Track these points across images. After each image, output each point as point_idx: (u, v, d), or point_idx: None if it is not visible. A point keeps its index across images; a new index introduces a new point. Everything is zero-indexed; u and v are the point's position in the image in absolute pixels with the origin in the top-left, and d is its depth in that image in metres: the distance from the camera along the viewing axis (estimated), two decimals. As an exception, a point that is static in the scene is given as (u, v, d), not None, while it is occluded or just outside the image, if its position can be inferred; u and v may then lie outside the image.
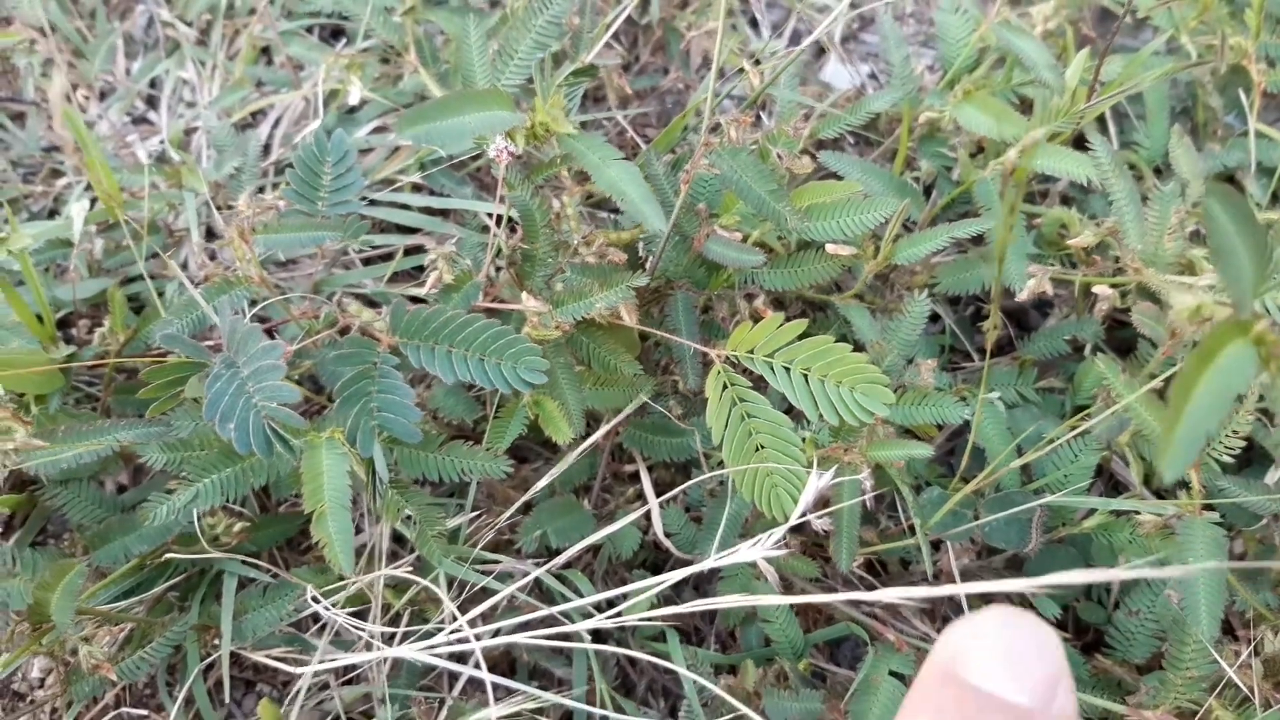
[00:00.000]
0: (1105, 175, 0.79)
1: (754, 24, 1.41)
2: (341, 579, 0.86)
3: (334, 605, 0.84)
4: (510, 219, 0.97)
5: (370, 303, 1.06)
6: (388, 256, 1.10)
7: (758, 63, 1.02)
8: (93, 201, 1.18)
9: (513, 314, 0.90)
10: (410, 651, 0.77)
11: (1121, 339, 1.05)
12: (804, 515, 0.70)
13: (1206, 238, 0.40)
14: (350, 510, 0.77)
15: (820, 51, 1.41)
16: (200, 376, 0.78)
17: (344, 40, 1.25)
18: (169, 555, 0.87)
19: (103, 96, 1.29)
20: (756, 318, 0.93)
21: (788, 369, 0.76)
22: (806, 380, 0.76)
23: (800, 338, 0.77)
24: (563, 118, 0.80)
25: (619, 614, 0.77)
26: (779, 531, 0.70)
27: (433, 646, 0.78)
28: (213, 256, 1.01)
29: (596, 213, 1.08)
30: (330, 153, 0.87)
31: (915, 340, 0.88)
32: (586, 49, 1.02)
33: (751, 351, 0.78)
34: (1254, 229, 0.41)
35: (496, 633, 0.89)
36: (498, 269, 0.95)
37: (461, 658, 0.90)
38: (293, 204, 0.87)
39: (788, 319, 1.04)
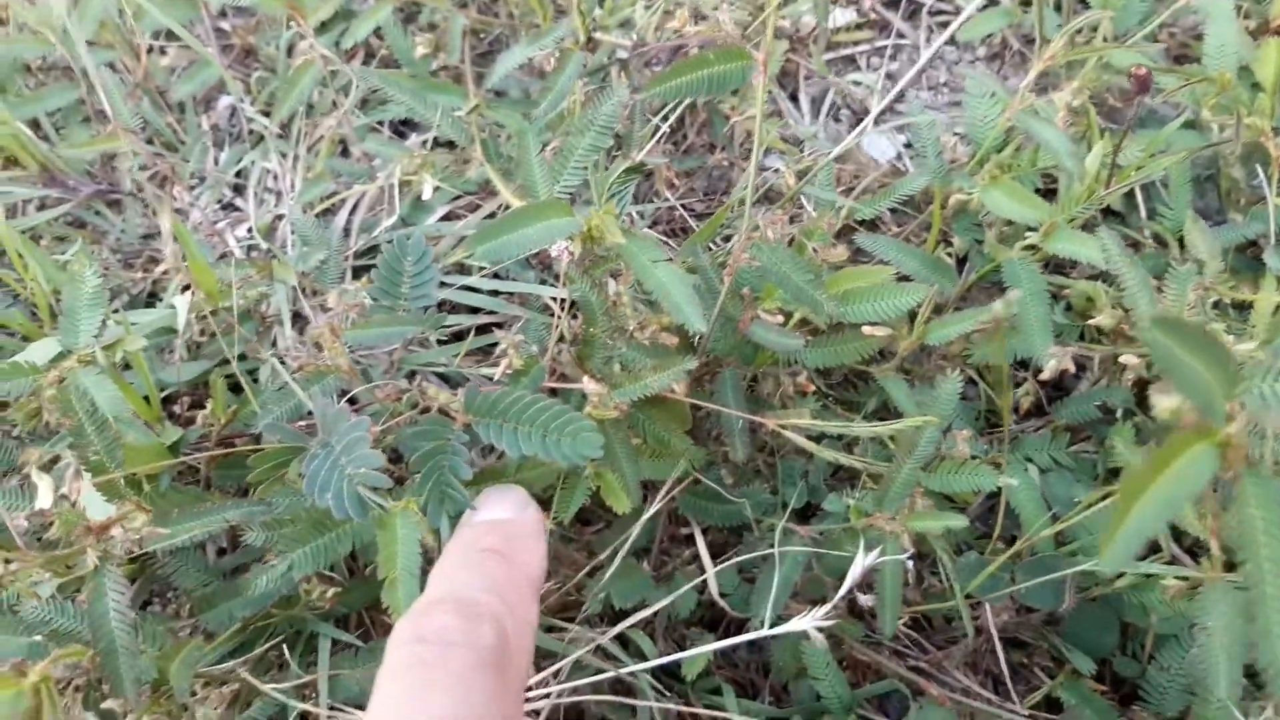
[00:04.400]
0: (1115, 264, 0.86)
1: (794, 98, 1.50)
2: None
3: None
4: (572, 305, 1.05)
5: (444, 379, 1.15)
6: (458, 335, 1.19)
7: (802, 171, 1.10)
8: (186, 287, 1.29)
9: (573, 392, 0.99)
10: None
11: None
12: (851, 589, 0.77)
13: (1157, 371, 0.46)
14: (418, 578, 0.84)
15: (858, 121, 1.49)
16: (300, 458, 0.87)
17: (414, 133, 1.35)
18: (269, 620, 0.96)
19: (191, 187, 1.41)
20: (801, 392, 1.01)
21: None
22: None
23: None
24: (614, 226, 0.88)
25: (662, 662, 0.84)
26: (828, 606, 0.77)
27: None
28: (312, 345, 1.11)
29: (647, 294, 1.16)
30: (410, 252, 0.97)
31: (950, 413, 0.95)
32: (637, 146, 1.11)
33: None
34: (1207, 345, 0.47)
35: (562, 690, 0.97)
36: (556, 349, 1.04)
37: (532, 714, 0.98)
38: (377, 300, 0.96)
39: (830, 387, 1.11)
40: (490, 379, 1.11)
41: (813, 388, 0.99)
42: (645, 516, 0.95)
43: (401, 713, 0.51)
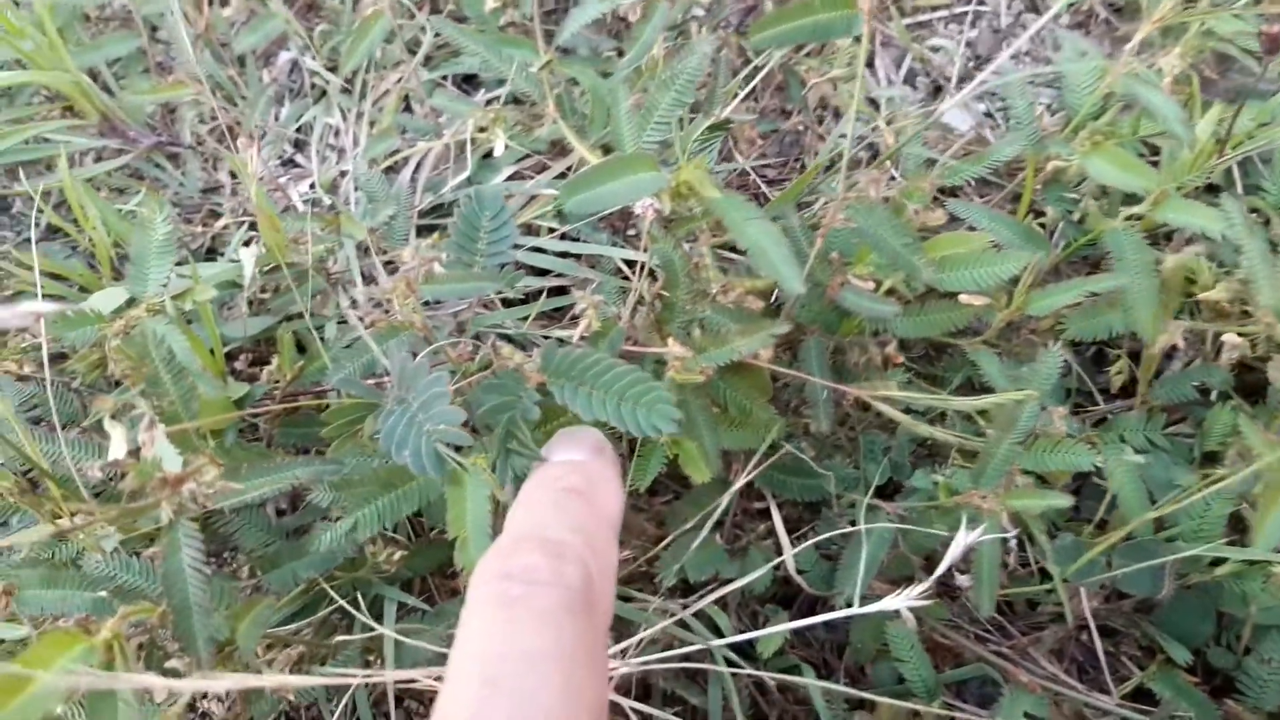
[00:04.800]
0: (1237, 233, 0.81)
1: (870, 64, 1.45)
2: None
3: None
4: (645, 267, 1.02)
5: (509, 341, 1.11)
6: (525, 298, 1.15)
7: (890, 122, 1.05)
8: (246, 242, 1.27)
9: (644, 357, 0.95)
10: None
11: (1251, 383, 1.05)
12: (950, 567, 0.73)
13: None
14: (489, 537, 0.82)
15: (936, 90, 1.44)
16: (375, 414, 0.84)
17: (481, 90, 1.31)
18: (332, 580, 0.94)
19: (250, 138, 1.38)
20: (888, 362, 0.97)
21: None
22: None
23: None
24: (707, 180, 0.84)
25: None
26: (925, 585, 0.73)
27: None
28: (376, 303, 1.08)
29: (725, 254, 1.12)
30: (488, 207, 0.93)
31: (1049, 390, 0.90)
32: (720, 103, 1.07)
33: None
34: None
35: (623, 653, 0.94)
36: (633, 313, 1.00)
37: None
38: (453, 255, 0.93)
39: (911, 361, 1.07)
40: (562, 342, 1.08)
41: (901, 359, 0.95)
42: (735, 488, 0.91)
43: (490, 648, 0.48)
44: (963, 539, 0.74)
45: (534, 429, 0.85)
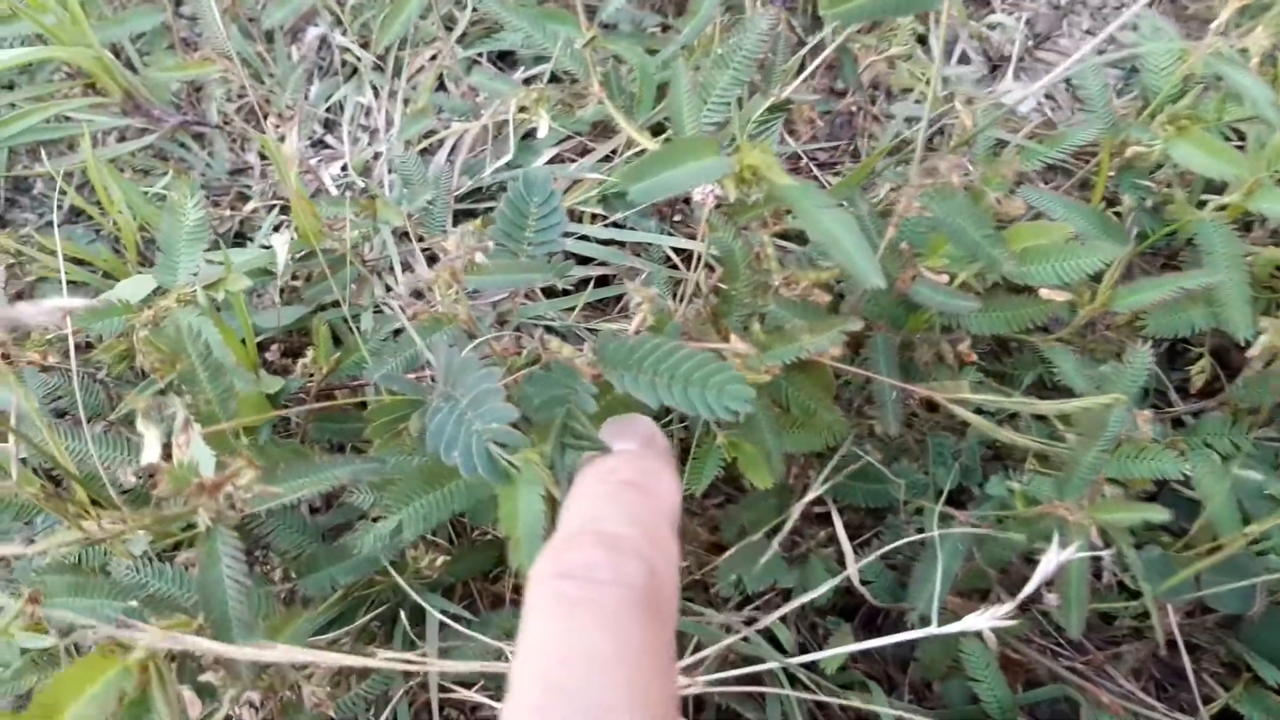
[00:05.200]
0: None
1: (922, 41, 1.38)
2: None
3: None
4: (696, 256, 0.96)
5: (552, 332, 1.06)
6: (568, 289, 1.10)
7: (970, 101, 0.99)
8: (276, 227, 1.22)
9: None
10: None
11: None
12: (1039, 585, 0.68)
13: None
14: (542, 537, 0.77)
15: (994, 68, 1.37)
16: (420, 412, 0.79)
17: (519, 68, 1.26)
18: (371, 586, 0.89)
19: (280, 118, 1.33)
20: (960, 360, 0.91)
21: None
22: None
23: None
24: (775, 165, 0.79)
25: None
26: (1010, 606, 0.68)
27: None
28: (416, 293, 1.03)
29: (783, 244, 1.07)
30: (536, 192, 0.88)
31: (1137, 390, 0.85)
32: (779, 82, 1.01)
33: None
34: None
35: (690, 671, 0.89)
36: (686, 305, 0.95)
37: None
38: (498, 243, 0.87)
39: (979, 357, 1.01)
40: (612, 334, 1.03)
41: (974, 357, 0.89)
42: (807, 498, 0.86)
43: (550, 652, 0.47)
44: (1054, 558, 0.68)
45: (590, 421, 0.80)
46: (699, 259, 0.90)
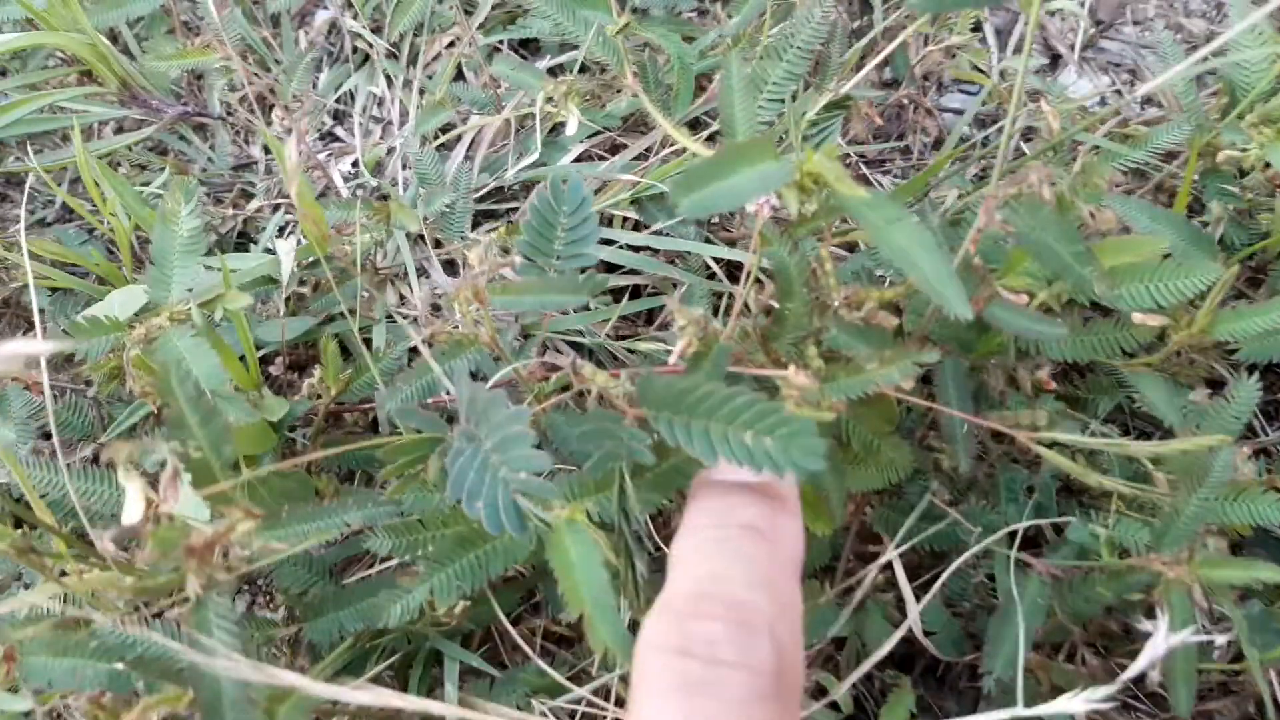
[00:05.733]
0: None
1: (976, 28, 1.28)
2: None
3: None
4: (748, 270, 0.87)
5: (577, 347, 0.98)
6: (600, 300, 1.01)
7: (1036, 97, 0.90)
8: (281, 229, 1.13)
9: (740, 378, 0.82)
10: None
11: None
12: (1145, 670, 0.59)
13: None
14: (616, 609, 0.67)
15: (1054, 58, 1.28)
16: (440, 452, 0.71)
17: (545, 56, 1.16)
18: (382, 635, 0.81)
19: (286, 109, 1.24)
20: (1038, 389, 0.82)
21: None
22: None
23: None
24: (842, 173, 0.69)
25: None
26: (1112, 688, 0.59)
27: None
28: (434, 307, 0.94)
29: (834, 250, 0.98)
30: (567, 199, 0.79)
31: (1240, 427, 0.76)
32: (837, 75, 0.91)
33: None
34: None
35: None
36: (733, 325, 0.86)
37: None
38: (525, 254, 0.79)
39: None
40: (650, 359, 0.94)
41: (1053, 385, 0.80)
42: (887, 558, 0.77)
43: None
44: (1162, 639, 0.59)
45: (644, 474, 0.71)
46: (748, 272, 0.81)
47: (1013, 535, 0.84)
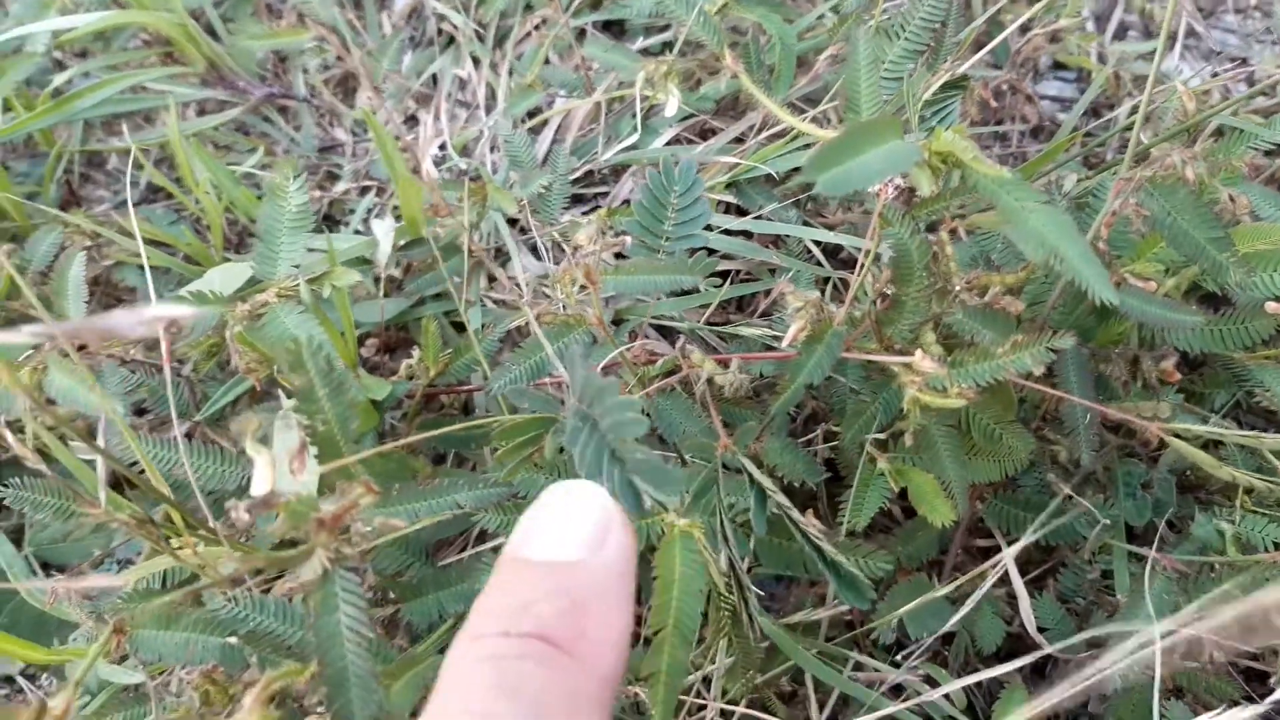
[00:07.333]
0: None
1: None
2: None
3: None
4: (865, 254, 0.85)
5: (663, 332, 0.96)
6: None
7: (1117, 78, 0.87)
8: (369, 210, 1.12)
9: (847, 363, 0.80)
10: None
11: None
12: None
13: None
14: (694, 638, 0.63)
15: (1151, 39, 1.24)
16: (554, 432, 0.70)
17: (638, 37, 1.15)
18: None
19: (376, 91, 1.23)
20: (1163, 380, 0.79)
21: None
22: None
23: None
24: (975, 153, 0.67)
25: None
26: (1261, 706, 0.57)
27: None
28: (535, 289, 0.93)
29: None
30: (679, 180, 0.77)
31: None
32: (951, 55, 0.89)
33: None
34: None
35: None
36: (848, 310, 0.84)
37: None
38: (635, 236, 0.77)
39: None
40: (767, 347, 0.92)
41: (1178, 376, 0.78)
42: (1018, 547, 0.74)
43: None
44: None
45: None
46: (866, 254, 0.79)
47: (1129, 531, 0.82)
